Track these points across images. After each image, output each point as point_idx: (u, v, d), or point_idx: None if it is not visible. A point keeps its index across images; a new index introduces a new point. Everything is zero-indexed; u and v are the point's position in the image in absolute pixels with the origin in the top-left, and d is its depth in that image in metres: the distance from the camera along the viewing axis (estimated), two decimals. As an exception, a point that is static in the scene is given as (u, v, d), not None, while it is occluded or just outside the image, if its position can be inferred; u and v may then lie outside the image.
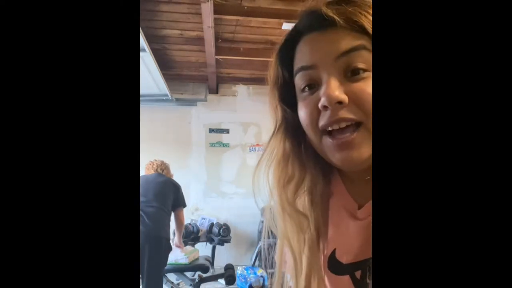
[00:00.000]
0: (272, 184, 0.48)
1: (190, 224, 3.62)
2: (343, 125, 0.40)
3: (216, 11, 2.52)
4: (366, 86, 0.39)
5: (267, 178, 0.48)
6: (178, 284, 3.16)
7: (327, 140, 0.41)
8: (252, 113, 4.16)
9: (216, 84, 4.09)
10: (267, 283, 3.38)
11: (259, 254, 3.65)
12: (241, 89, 4.23)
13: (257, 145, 4.19)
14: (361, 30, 0.40)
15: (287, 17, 2.62)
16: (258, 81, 4.15)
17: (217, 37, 3.07)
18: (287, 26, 2.76)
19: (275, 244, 0.53)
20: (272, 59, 0.49)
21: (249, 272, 3.43)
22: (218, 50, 3.20)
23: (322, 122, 0.41)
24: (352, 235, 0.45)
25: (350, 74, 0.40)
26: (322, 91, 0.40)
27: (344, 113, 0.39)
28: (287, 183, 0.48)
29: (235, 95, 4.24)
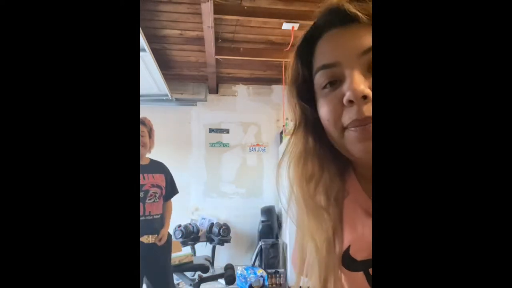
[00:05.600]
0: (293, 180, 0.49)
1: (190, 224, 3.62)
2: (369, 124, 0.39)
3: (216, 11, 2.52)
4: None
5: (288, 175, 0.49)
6: (178, 284, 3.16)
7: (350, 131, 0.41)
8: (252, 113, 4.16)
9: (216, 84, 4.09)
10: (267, 283, 3.38)
11: (259, 254, 3.65)
12: (241, 89, 4.23)
13: (257, 145, 4.19)
14: None
15: (287, 17, 2.61)
16: (258, 81, 4.15)
17: (217, 37, 3.07)
18: (287, 26, 2.76)
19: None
20: (291, 57, 0.49)
21: (249, 272, 3.43)
22: (218, 50, 3.21)
23: (348, 120, 0.40)
24: (366, 232, 0.45)
25: None
26: (346, 86, 0.40)
27: (369, 111, 0.38)
28: (309, 180, 0.48)
29: (235, 95, 4.24)
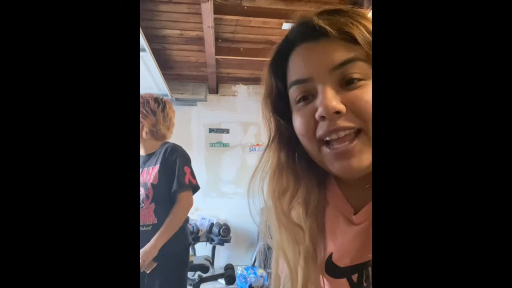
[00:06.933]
0: (267, 195, 0.48)
1: (190, 224, 3.62)
2: (341, 134, 0.39)
3: (216, 11, 2.52)
4: (362, 94, 0.39)
5: (261, 190, 0.48)
6: (178, 284, 3.15)
7: (325, 150, 0.41)
8: (252, 113, 4.15)
9: (216, 84, 4.09)
10: (267, 283, 3.38)
11: (259, 254, 3.66)
12: (241, 89, 4.23)
13: (257, 145, 4.18)
14: (353, 40, 0.40)
15: (287, 17, 2.61)
16: (258, 81, 4.11)
17: (217, 37, 3.07)
18: (287, 26, 2.76)
19: (269, 248, 0.53)
20: (265, 71, 0.49)
21: (249, 272, 3.43)
22: (218, 50, 3.21)
23: (320, 132, 0.40)
24: (348, 239, 0.45)
25: (346, 84, 0.40)
26: (318, 101, 0.40)
27: (342, 122, 0.39)
28: (282, 195, 0.48)
29: (235, 95, 4.24)
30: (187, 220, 1.67)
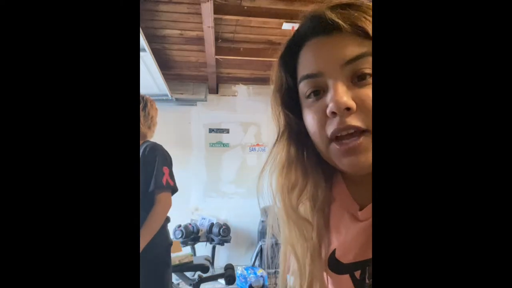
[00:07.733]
0: (276, 190, 0.48)
1: (190, 224, 3.62)
2: (351, 131, 0.39)
3: (216, 11, 2.52)
4: None
5: (270, 184, 0.48)
6: (178, 284, 3.16)
7: (334, 146, 0.41)
8: (252, 113, 4.15)
9: (216, 84, 4.09)
10: (267, 283, 3.38)
11: (259, 254, 3.65)
12: (241, 89, 4.23)
13: (257, 145, 4.18)
14: (366, 35, 0.39)
15: (287, 17, 2.61)
16: (258, 81, 4.14)
17: (217, 37, 3.07)
18: (287, 26, 2.76)
19: (276, 244, 0.52)
20: (275, 65, 0.48)
21: (249, 272, 3.43)
22: (218, 50, 3.21)
23: (330, 129, 0.40)
24: (352, 236, 0.45)
25: (357, 80, 0.39)
26: (329, 97, 0.39)
27: (352, 120, 0.38)
28: (291, 190, 0.47)
29: (235, 95, 4.23)
30: (167, 219, 1.65)
